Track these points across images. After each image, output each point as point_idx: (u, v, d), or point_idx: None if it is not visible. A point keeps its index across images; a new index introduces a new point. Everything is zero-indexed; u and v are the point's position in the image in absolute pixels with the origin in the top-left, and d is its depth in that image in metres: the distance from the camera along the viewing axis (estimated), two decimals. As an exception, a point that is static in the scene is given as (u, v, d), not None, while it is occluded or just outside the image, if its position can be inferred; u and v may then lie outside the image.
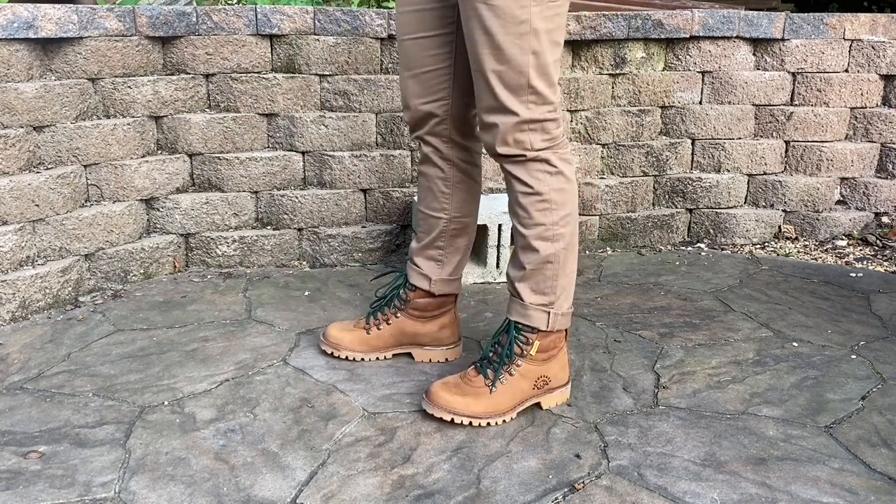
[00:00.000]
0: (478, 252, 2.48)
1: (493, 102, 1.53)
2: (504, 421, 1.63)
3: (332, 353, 1.90)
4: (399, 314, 1.87)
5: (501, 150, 1.56)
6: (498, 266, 2.45)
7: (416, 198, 2.11)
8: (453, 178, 1.79)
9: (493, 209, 2.40)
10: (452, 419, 1.60)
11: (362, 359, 1.89)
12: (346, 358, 1.89)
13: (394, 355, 1.91)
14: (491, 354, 1.66)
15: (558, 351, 1.68)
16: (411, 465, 1.48)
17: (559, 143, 1.59)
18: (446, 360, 1.90)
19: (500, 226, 2.40)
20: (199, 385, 1.78)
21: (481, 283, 2.45)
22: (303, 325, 2.10)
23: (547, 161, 1.57)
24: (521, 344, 1.64)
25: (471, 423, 1.60)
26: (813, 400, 1.75)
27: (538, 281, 1.63)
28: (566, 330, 1.69)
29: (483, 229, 2.42)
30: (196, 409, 1.68)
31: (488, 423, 1.61)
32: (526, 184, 1.58)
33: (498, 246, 2.43)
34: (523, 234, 1.62)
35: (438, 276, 1.84)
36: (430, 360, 1.89)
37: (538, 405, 1.69)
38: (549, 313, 1.63)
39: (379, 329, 1.88)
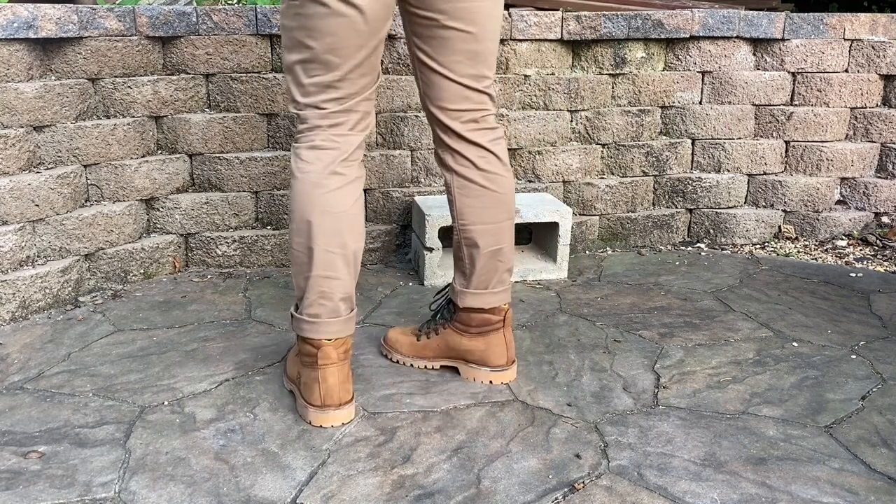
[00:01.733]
0: (545, 247, 2.58)
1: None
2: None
3: (387, 355, 1.91)
4: (447, 326, 1.82)
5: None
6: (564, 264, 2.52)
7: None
8: (454, 184, 1.71)
9: (557, 204, 2.48)
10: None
11: (412, 364, 1.87)
12: (398, 362, 1.89)
13: (441, 367, 1.85)
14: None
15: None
16: (411, 465, 1.48)
17: (306, 128, 1.57)
18: (490, 382, 1.80)
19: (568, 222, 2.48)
20: (199, 385, 1.78)
21: (548, 279, 2.50)
22: (303, 325, 2.10)
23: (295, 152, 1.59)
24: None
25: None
26: (813, 400, 1.75)
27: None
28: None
29: (553, 226, 2.48)
30: (196, 409, 1.68)
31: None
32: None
33: (569, 244, 2.52)
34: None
35: (464, 287, 1.77)
36: (475, 380, 1.81)
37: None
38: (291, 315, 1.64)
39: (427, 338, 1.85)
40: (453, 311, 1.81)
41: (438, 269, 2.43)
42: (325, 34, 1.48)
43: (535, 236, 2.70)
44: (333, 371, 1.59)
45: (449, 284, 1.86)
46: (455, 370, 1.84)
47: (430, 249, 2.38)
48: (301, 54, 1.51)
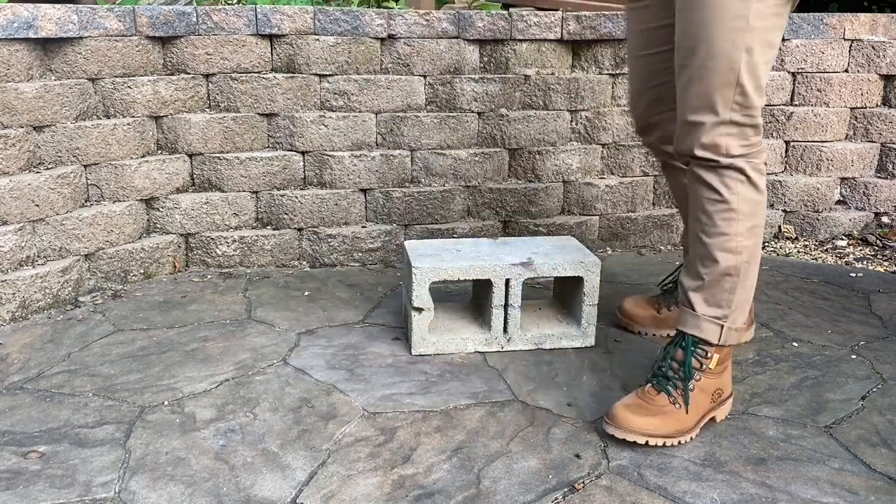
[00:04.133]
0: (480, 312, 2.06)
1: (696, 100, 1.48)
2: (691, 438, 1.57)
3: (627, 327, 2.03)
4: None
5: (698, 152, 1.51)
6: (506, 330, 1.96)
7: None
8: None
9: (499, 260, 1.93)
10: (647, 441, 1.52)
11: (653, 335, 2.02)
12: (639, 333, 2.03)
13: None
14: (669, 372, 1.59)
15: (729, 362, 1.65)
16: (411, 465, 1.48)
17: (756, 152, 1.53)
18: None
19: (507, 280, 1.92)
20: (199, 385, 1.78)
21: (485, 351, 1.96)
22: (303, 325, 2.10)
23: (740, 170, 1.51)
24: (699, 358, 1.59)
25: (664, 444, 1.53)
26: (813, 400, 1.75)
27: (714, 293, 1.57)
28: None
29: (487, 285, 1.96)
30: (196, 409, 1.68)
31: (678, 442, 1.55)
32: (715, 190, 1.53)
33: (506, 305, 1.94)
34: (704, 242, 1.56)
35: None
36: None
37: (712, 419, 1.63)
38: (722, 326, 1.58)
39: (669, 311, 2.00)
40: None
41: (430, 335, 1.94)
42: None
43: (555, 290, 2.19)
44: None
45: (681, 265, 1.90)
46: None
47: (419, 310, 1.91)
48: (771, 54, 1.47)
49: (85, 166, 2.31)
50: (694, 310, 1.59)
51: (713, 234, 1.55)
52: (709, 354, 1.59)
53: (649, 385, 1.59)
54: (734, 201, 1.52)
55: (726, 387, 1.64)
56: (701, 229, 1.56)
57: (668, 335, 1.97)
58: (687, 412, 1.55)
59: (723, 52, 1.43)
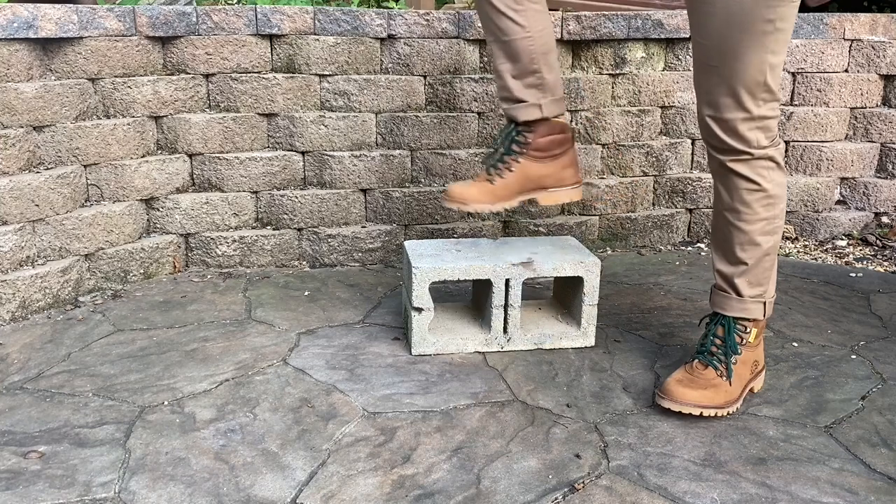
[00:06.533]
0: (480, 312, 2.07)
1: (728, 99, 1.55)
2: (737, 408, 1.69)
3: (460, 208, 1.87)
4: (521, 159, 1.85)
5: (734, 145, 1.59)
6: (506, 331, 1.96)
7: (488, 36, 1.84)
8: None
9: (499, 260, 1.93)
10: (701, 412, 1.64)
11: (490, 210, 1.87)
12: (475, 211, 1.91)
13: (519, 203, 1.89)
14: (713, 348, 1.71)
15: (762, 334, 1.77)
16: (411, 465, 1.48)
17: (778, 140, 1.64)
18: (570, 200, 1.93)
19: (507, 281, 1.92)
20: (199, 385, 1.78)
21: (485, 351, 1.96)
22: (303, 325, 2.10)
23: (771, 158, 1.62)
24: (740, 333, 1.71)
25: (716, 413, 1.65)
26: (813, 400, 1.75)
27: (756, 274, 1.68)
28: None
29: (487, 285, 1.96)
30: (196, 409, 1.68)
31: (727, 413, 1.67)
32: (752, 181, 1.62)
33: (506, 306, 1.94)
34: (744, 231, 1.65)
35: (546, 98, 1.82)
36: (557, 202, 1.92)
37: (751, 390, 1.76)
38: (764, 303, 1.71)
39: (503, 178, 1.86)
40: (524, 143, 1.84)
41: (430, 335, 1.94)
42: None
43: (555, 290, 2.19)
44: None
45: (509, 123, 1.88)
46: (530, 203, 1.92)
47: (419, 310, 1.92)
48: (786, 51, 1.57)
49: (85, 166, 2.31)
50: (741, 295, 1.69)
51: (754, 221, 1.65)
52: (748, 329, 1.71)
53: (696, 360, 1.71)
54: (770, 188, 1.63)
55: (761, 358, 1.77)
56: (739, 218, 1.65)
57: (509, 208, 1.89)
58: (731, 384, 1.68)
59: (754, 56, 1.51)
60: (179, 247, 2.51)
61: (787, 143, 2.90)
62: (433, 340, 1.95)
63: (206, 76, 2.48)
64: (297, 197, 2.54)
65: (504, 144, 1.88)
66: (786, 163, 2.92)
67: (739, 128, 1.57)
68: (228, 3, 2.96)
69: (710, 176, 2.86)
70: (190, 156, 2.50)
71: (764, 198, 1.63)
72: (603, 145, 2.79)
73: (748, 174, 1.61)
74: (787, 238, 2.91)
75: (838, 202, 2.95)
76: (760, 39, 1.50)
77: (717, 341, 1.71)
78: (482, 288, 2.04)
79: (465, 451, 1.53)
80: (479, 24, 2.57)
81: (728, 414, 1.67)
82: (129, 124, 2.36)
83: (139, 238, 2.44)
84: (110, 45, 2.31)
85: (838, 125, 2.88)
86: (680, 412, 1.64)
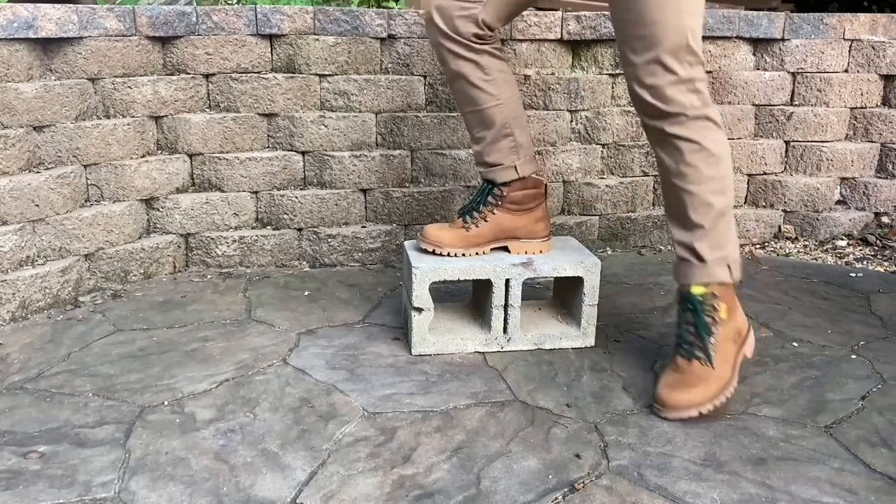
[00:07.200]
0: (480, 312, 2.07)
1: (655, 66, 1.60)
2: (734, 387, 1.69)
3: (434, 250, 1.95)
4: (496, 210, 1.96)
5: (667, 108, 1.62)
6: (506, 330, 1.97)
7: (456, 105, 2.00)
8: (492, 66, 1.89)
9: (499, 260, 1.94)
10: (700, 413, 1.64)
11: (463, 254, 1.95)
12: (448, 254, 1.95)
13: (491, 250, 1.99)
14: (689, 337, 1.70)
15: (735, 300, 1.76)
16: (411, 465, 1.48)
17: (709, 99, 1.67)
18: (540, 252, 2.00)
19: (507, 281, 1.93)
20: (199, 385, 1.78)
21: (485, 351, 1.97)
22: (303, 325, 2.10)
23: (707, 117, 1.66)
24: (710, 313, 1.70)
25: (715, 406, 1.65)
26: (813, 400, 1.75)
27: (715, 236, 1.69)
28: None
29: (487, 285, 1.97)
30: (196, 409, 1.68)
31: (726, 398, 1.67)
32: (693, 141, 1.65)
33: (506, 306, 1.95)
34: (694, 193, 1.67)
35: (521, 159, 1.94)
36: (526, 252, 1.99)
37: (744, 356, 1.77)
38: (728, 265, 1.71)
39: (478, 227, 1.97)
40: (500, 195, 1.95)
41: (430, 335, 1.95)
42: None
43: (555, 290, 2.19)
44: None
45: (485, 182, 1.99)
46: (504, 249, 2.01)
47: (419, 310, 1.93)
48: (701, 14, 1.63)
49: (85, 166, 2.31)
50: (703, 260, 1.69)
51: (701, 181, 1.67)
52: (717, 306, 1.70)
53: (678, 357, 1.71)
54: (712, 147, 1.66)
55: (742, 324, 1.77)
56: (687, 182, 1.68)
57: (482, 252, 1.97)
58: (716, 368, 1.67)
59: (672, 19, 1.57)
60: (179, 247, 2.51)
61: (786, 143, 2.90)
62: (433, 340, 1.95)
63: (206, 76, 2.48)
64: (297, 197, 2.54)
65: (481, 197, 1.99)
66: (785, 163, 2.92)
67: (669, 91, 1.61)
68: (228, 3, 2.96)
69: (710, 176, 2.85)
70: (190, 156, 2.50)
71: (707, 157, 1.66)
72: (603, 145, 2.79)
73: (688, 135, 1.65)
74: (788, 238, 2.91)
75: (838, 202, 2.95)
76: (676, 4, 1.56)
77: (691, 328, 1.70)
78: (482, 288, 2.04)
79: (465, 451, 1.53)
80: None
81: (727, 398, 1.66)
82: (129, 124, 2.36)
83: (139, 238, 2.44)
84: (110, 45, 2.31)
85: (838, 125, 2.88)
86: (677, 420, 1.65)
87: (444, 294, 2.32)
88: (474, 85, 1.88)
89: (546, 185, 2.01)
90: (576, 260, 1.97)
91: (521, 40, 2.63)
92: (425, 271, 1.89)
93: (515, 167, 1.94)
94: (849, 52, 2.84)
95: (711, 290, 1.70)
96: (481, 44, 1.86)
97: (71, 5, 2.21)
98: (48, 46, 2.23)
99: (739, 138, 2.88)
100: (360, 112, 2.57)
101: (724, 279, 1.70)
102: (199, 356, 1.92)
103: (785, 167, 2.93)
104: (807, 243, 2.89)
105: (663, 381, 1.68)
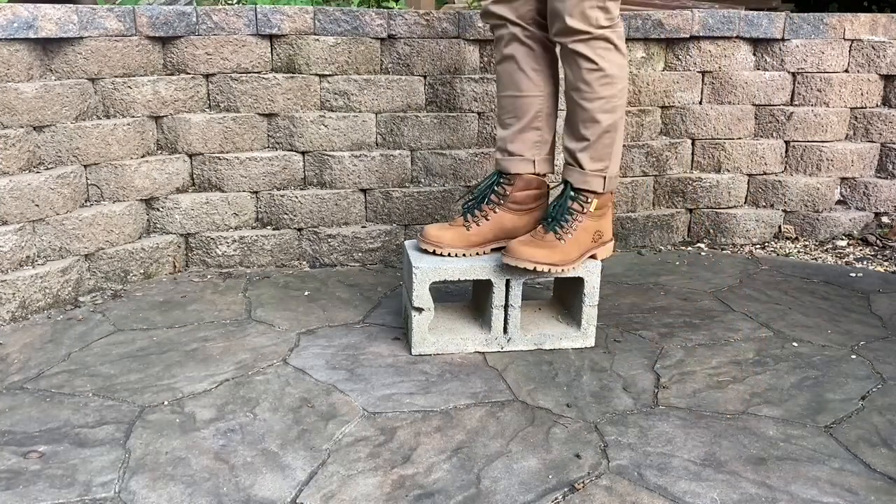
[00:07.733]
0: (480, 312, 2.06)
1: None
2: (573, 268, 1.89)
3: (434, 251, 1.93)
4: (497, 209, 1.97)
5: (570, 22, 1.74)
6: (506, 331, 1.97)
7: (496, 87, 2.01)
8: (543, 58, 1.93)
9: (499, 261, 1.92)
10: (535, 268, 1.82)
11: (464, 254, 1.94)
12: (449, 254, 1.93)
13: (492, 250, 1.97)
14: (555, 213, 1.89)
15: (608, 209, 1.94)
16: (411, 465, 1.48)
17: (617, 23, 1.79)
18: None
19: (507, 281, 1.93)
20: (199, 385, 1.78)
21: (485, 351, 1.96)
22: (303, 325, 2.10)
23: (608, 39, 1.78)
24: (581, 203, 1.89)
25: (550, 269, 1.84)
26: (813, 400, 1.75)
27: (598, 149, 1.86)
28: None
29: (487, 285, 1.97)
30: (196, 408, 1.68)
31: (562, 270, 1.86)
32: (591, 60, 1.78)
33: (506, 306, 1.94)
34: (585, 108, 1.83)
35: (540, 156, 1.98)
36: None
37: (594, 257, 1.95)
38: (604, 178, 1.89)
39: (478, 225, 1.96)
40: (503, 194, 1.98)
41: (430, 335, 1.94)
42: None
43: (555, 290, 2.19)
44: None
45: (493, 173, 2.01)
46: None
47: (419, 310, 1.92)
48: None
49: (85, 166, 2.31)
50: (582, 168, 1.89)
51: (593, 99, 1.82)
52: (589, 200, 1.90)
53: (540, 226, 1.91)
54: (608, 68, 1.80)
55: (606, 230, 1.96)
56: (581, 97, 1.83)
57: (482, 252, 1.97)
58: (567, 245, 1.87)
59: None
60: (179, 247, 2.51)
61: (787, 143, 2.90)
62: (433, 340, 1.94)
63: (206, 76, 2.48)
64: (297, 197, 2.54)
65: (483, 192, 2.01)
66: (785, 163, 2.92)
67: (580, 6, 1.73)
68: (228, 3, 2.96)
69: (710, 175, 2.86)
70: (190, 156, 2.50)
71: (602, 77, 1.79)
72: (603, 145, 2.78)
73: (588, 54, 1.77)
74: (788, 238, 2.92)
75: (838, 202, 2.95)
76: None
77: (559, 208, 1.90)
78: (482, 288, 2.04)
79: (465, 451, 1.53)
80: (480, 24, 2.57)
81: (562, 271, 1.86)
82: (129, 124, 2.36)
83: (139, 238, 2.44)
84: (110, 45, 2.31)
85: (838, 125, 2.88)
86: (516, 268, 1.84)
87: (444, 294, 2.32)
88: (523, 70, 1.92)
89: (548, 187, 2.02)
90: None
91: (521, 40, 2.63)
92: (425, 271, 1.89)
93: (534, 162, 1.97)
94: (849, 52, 2.84)
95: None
96: (541, 33, 1.90)
97: (71, 5, 2.21)
98: (48, 46, 2.23)
99: (739, 138, 2.88)
100: (360, 112, 2.57)
101: (597, 189, 1.89)
102: (199, 356, 1.92)
103: (785, 167, 2.93)
104: (807, 243, 2.89)
105: (518, 239, 1.87)
